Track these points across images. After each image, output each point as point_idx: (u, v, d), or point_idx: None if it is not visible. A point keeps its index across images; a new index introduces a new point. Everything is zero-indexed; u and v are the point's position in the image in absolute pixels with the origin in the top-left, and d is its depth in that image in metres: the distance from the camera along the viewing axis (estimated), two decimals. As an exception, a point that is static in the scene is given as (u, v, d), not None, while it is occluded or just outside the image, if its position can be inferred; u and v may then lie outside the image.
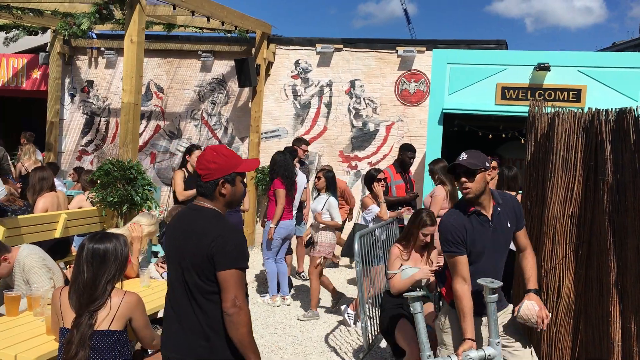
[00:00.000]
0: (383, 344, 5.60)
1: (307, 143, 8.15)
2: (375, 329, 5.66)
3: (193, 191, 6.53)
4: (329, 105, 10.45)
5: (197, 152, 6.79)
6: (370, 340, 5.46)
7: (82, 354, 2.79)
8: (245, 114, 10.81)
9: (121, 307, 2.96)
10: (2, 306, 3.69)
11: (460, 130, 9.25)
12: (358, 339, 5.82)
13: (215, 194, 2.61)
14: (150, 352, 3.47)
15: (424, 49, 9.94)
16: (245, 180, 7.55)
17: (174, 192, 6.80)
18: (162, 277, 4.96)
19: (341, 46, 10.33)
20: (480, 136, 9.12)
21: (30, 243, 4.57)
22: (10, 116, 14.32)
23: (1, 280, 4.12)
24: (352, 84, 10.30)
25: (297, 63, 10.57)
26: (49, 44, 11.58)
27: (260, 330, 5.92)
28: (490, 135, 9.10)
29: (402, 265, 4.66)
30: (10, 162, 8.31)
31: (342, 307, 6.31)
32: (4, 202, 6.15)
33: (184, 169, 6.79)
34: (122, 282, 3.25)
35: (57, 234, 6.06)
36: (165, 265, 4.98)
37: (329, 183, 6.53)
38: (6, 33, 10.42)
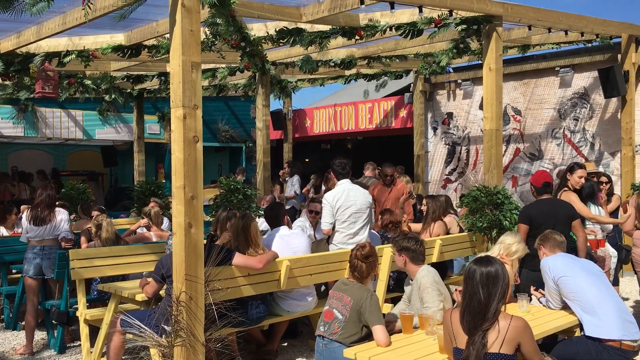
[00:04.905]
0: None
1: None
2: None
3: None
4: None
5: (579, 172, 6.34)
6: None
7: (478, 371, 2.93)
8: (613, 126, 9.88)
9: (510, 331, 3.00)
10: (398, 322, 4.13)
11: None
12: None
13: None
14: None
15: None
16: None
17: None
18: (540, 303, 4.82)
19: None
20: None
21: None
22: (383, 153, 16.11)
23: (404, 297, 4.64)
24: None
25: (676, 61, 9.22)
26: (412, 85, 12.71)
27: None
28: None
29: None
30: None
31: None
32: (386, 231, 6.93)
33: (565, 189, 6.36)
34: (505, 306, 3.30)
35: (434, 259, 6.50)
36: (540, 291, 4.84)
37: None
38: (377, 80, 11.88)
